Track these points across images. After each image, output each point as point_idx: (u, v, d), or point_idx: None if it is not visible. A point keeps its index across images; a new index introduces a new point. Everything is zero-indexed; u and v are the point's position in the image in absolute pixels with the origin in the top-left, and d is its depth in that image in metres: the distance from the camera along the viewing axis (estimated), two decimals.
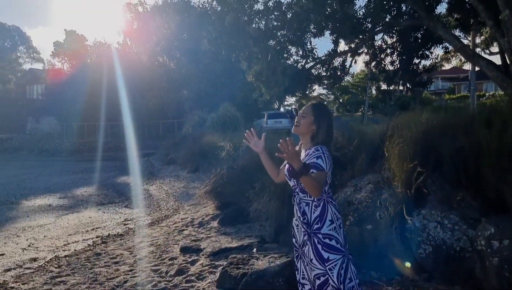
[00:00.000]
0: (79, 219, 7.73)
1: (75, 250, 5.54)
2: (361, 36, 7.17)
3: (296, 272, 2.31)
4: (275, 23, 6.20)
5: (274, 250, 4.68)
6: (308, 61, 7.27)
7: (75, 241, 6.06)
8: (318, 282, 2.09)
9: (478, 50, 19.16)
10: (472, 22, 7.84)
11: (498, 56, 7.28)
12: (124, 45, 36.64)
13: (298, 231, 2.27)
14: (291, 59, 6.76)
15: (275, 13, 6.22)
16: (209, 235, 5.60)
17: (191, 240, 5.46)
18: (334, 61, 7.80)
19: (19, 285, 4.22)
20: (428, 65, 8.98)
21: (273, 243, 4.97)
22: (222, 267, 4.23)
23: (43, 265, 4.94)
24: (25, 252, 5.59)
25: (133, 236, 6.24)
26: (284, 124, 22.71)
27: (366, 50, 8.20)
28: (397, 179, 3.72)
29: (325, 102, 76.07)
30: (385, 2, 6.64)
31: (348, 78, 39.22)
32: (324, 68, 7.74)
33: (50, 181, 13.47)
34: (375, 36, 7.78)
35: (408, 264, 3.46)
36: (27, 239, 6.26)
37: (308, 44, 7.05)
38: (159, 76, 32.49)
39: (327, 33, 7.39)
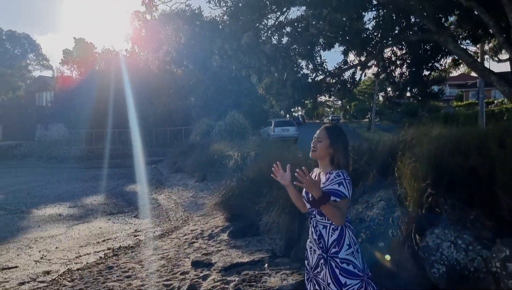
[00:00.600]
0: (90, 229, 7.79)
1: (87, 263, 5.58)
2: (370, 50, 7.22)
3: None
4: (288, 39, 6.29)
5: (285, 265, 4.69)
6: (318, 74, 7.35)
7: (87, 253, 6.11)
8: None
9: (486, 57, 19.10)
10: (481, 33, 7.85)
11: (507, 63, 7.26)
12: (132, 52, 37.04)
13: (311, 254, 2.28)
14: (301, 73, 6.83)
15: (287, 29, 6.30)
16: (219, 249, 5.62)
17: (201, 253, 5.47)
18: (344, 74, 7.87)
19: None
20: (437, 76, 8.97)
21: (284, 258, 4.97)
22: (234, 283, 4.26)
23: (56, 278, 4.99)
24: (38, 264, 5.65)
25: (144, 248, 6.27)
26: (292, 132, 22.69)
27: (375, 62, 8.24)
28: (409, 198, 3.73)
29: (332, 109, 75.78)
30: (394, 17, 6.69)
31: None
32: (333, 81, 7.80)
33: (59, 189, 13.58)
34: (385, 49, 7.82)
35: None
36: (40, 251, 6.33)
37: (318, 58, 7.13)
38: (167, 83, 32.73)
39: (336, 45, 7.47)
